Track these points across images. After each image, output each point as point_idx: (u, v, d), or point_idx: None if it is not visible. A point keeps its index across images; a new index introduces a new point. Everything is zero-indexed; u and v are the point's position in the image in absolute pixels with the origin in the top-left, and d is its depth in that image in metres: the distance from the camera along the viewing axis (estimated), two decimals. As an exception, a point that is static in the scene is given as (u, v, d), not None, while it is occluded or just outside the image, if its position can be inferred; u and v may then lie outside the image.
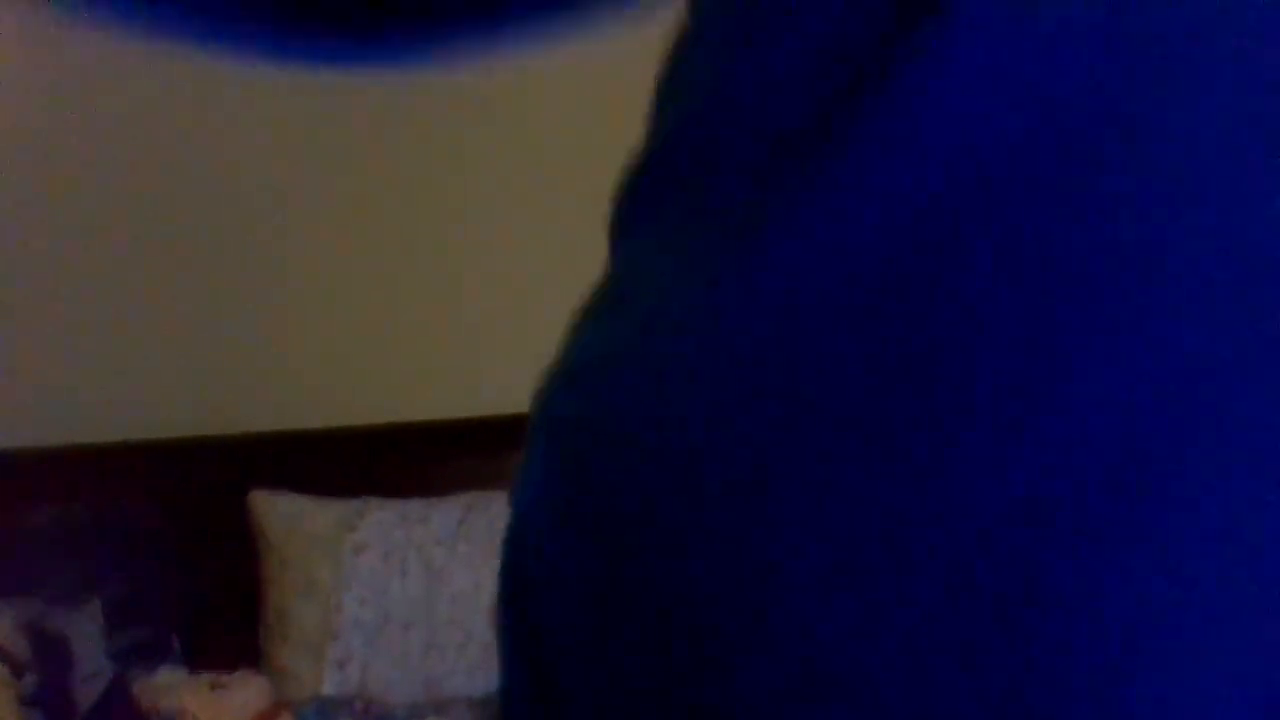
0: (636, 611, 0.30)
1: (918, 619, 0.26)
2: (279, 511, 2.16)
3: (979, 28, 0.28)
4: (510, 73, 2.55)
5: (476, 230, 2.53)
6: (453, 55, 0.61)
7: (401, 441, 2.31)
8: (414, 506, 2.17)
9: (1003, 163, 0.27)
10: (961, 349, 0.27)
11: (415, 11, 0.58)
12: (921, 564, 0.26)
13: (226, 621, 2.12)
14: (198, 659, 2.05)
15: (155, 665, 2.00)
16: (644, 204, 0.37)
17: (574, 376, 0.37)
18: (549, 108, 2.48)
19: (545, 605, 0.34)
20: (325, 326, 2.41)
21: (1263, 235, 0.26)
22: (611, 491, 0.32)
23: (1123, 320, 0.26)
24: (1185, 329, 0.26)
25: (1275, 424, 0.25)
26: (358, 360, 2.40)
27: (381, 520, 2.13)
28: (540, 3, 0.61)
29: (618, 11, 0.61)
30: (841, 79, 0.30)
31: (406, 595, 2.10)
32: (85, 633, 1.96)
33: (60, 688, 1.91)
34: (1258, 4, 0.27)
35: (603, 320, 0.37)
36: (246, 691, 1.96)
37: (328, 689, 2.06)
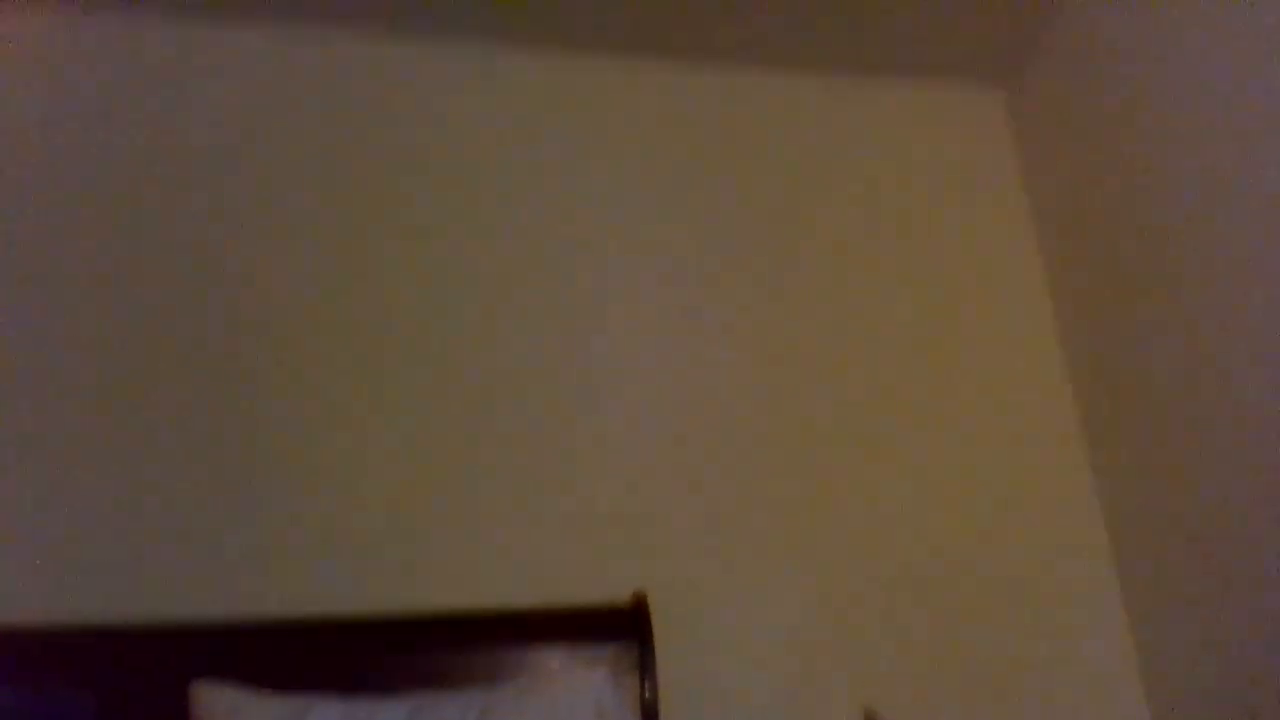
0: None
1: None
2: (221, 705, 2.07)
3: None
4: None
5: (406, 422, 2.51)
6: None
7: (353, 635, 2.24)
8: (360, 706, 2.08)
9: None
10: None
11: None
12: None
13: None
14: None
15: None
16: None
17: None
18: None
19: None
20: (278, 517, 2.36)
21: None
22: None
23: None
24: None
25: None
26: (310, 552, 2.35)
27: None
28: None
29: None
30: None
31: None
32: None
33: None
34: None
35: None
36: None
37: None
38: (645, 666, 2.29)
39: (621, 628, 2.34)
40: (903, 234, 3.00)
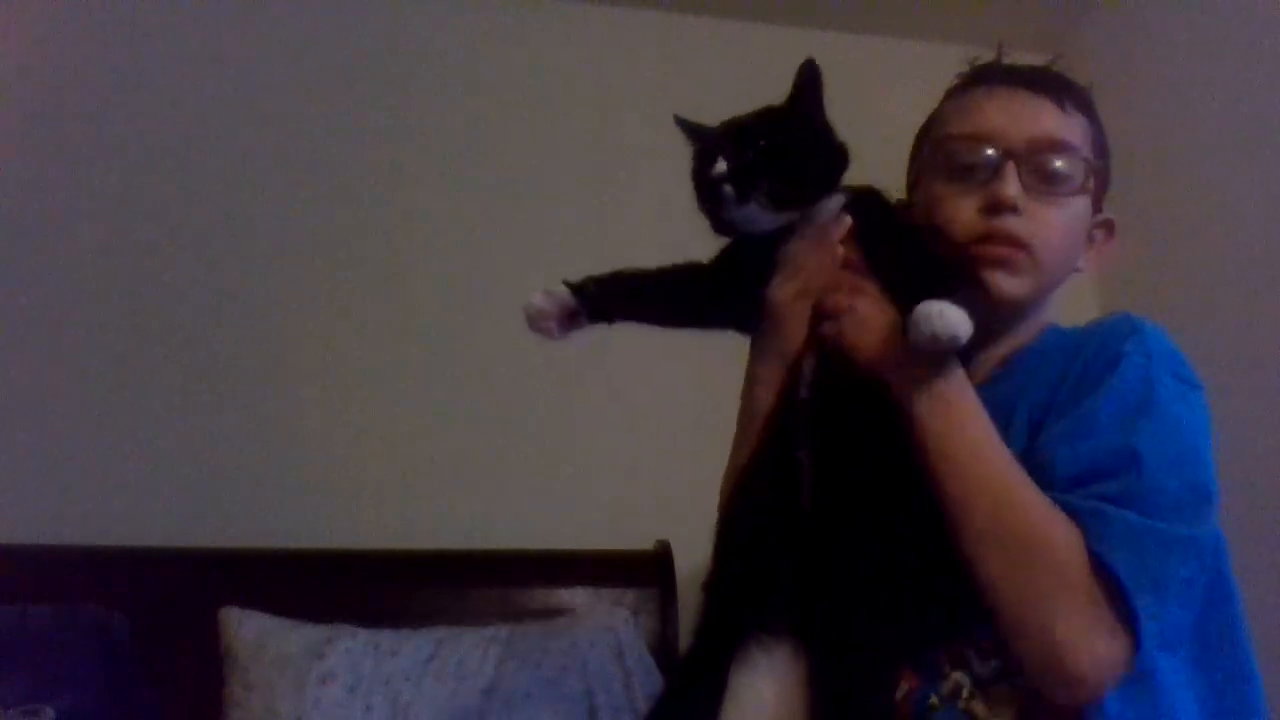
0: None
1: None
2: (248, 631, 2.10)
3: None
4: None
5: (442, 358, 2.52)
6: None
7: (379, 567, 2.27)
8: (385, 637, 2.11)
9: None
10: None
11: None
12: None
13: (183, 741, 2.05)
14: (150, 777, 1.98)
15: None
16: None
17: None
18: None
19: None
20: (313, 453, 2.39)
21: None
22: None
23: None
24: None
25: None
26: (343, 489, 2.37)
27: (351, 650, 2.07)
28: None
29: None
30: None
31: (369, 732, 2.04)
32: (35, 742, 1.90)
33: (4, 798, 1.84)
34: None
35: None
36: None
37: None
38: (667, 611, 2.31)
39: (644, 574, 2.36)
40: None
